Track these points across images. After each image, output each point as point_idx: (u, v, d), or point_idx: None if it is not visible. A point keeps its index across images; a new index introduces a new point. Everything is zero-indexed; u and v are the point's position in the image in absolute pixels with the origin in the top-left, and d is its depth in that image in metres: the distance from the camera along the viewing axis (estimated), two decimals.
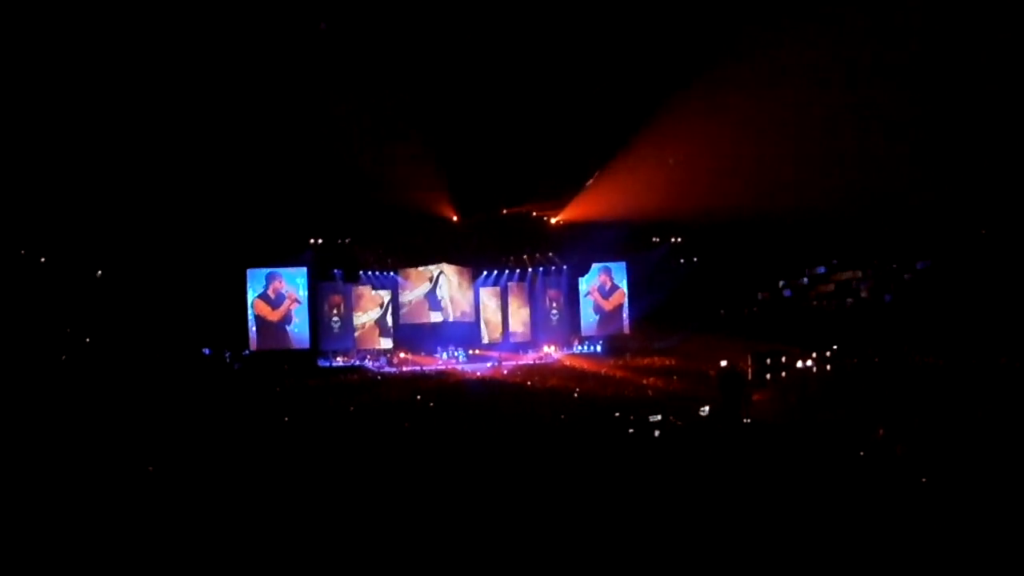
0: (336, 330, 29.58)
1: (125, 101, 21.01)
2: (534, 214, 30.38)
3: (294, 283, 28.63)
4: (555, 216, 30.19)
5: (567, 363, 28.48)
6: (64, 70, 19.52)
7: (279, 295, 28.48)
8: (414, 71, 21.54)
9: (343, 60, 20.76)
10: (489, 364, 28.60)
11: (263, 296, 28.45)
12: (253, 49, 19.97)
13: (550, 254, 31.28)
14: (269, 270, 28.57)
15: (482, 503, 9.06)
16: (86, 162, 22.20)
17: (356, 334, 29.96)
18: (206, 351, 27.00)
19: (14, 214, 22.44)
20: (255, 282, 28.48)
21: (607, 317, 30.84)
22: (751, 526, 7.82)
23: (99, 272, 26.06)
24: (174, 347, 25.70)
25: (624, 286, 30.75)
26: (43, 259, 24.76)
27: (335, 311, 29.57)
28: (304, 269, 28.83)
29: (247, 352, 27.82)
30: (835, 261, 29.42)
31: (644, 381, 23.05)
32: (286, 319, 28.48)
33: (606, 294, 30.85)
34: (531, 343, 31.23)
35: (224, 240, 26.88)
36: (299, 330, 28.62)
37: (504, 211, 30.23)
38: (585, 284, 30.95)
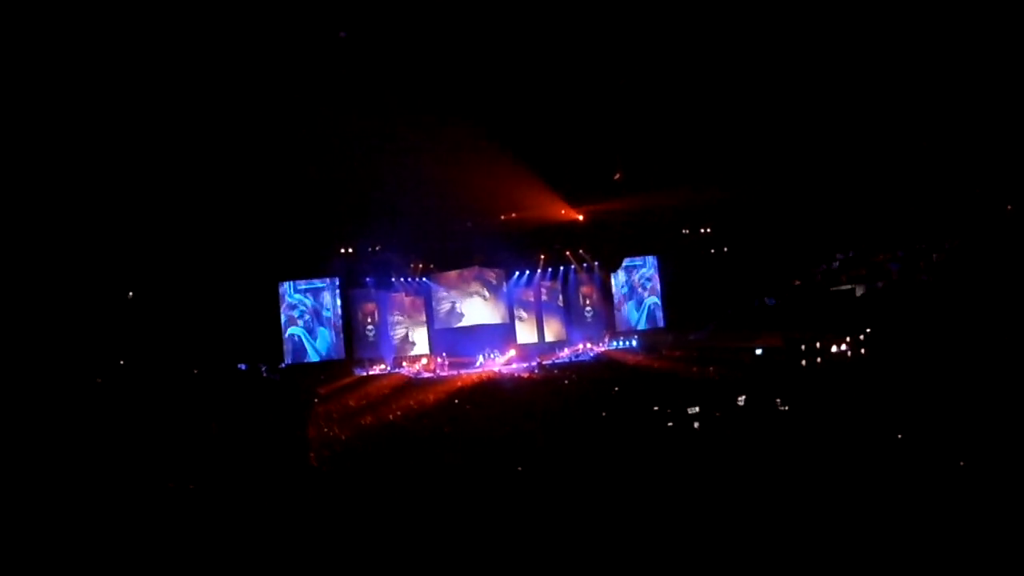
0: (371, 338, 29.60)
1: (152, 121, 21.30)
2: (562, 212, 30.10)
3: (313, 295, 28.94)
4: (582, 213, 29.94)
5: (603, 360, 28.31)
6: (97, 90, 19.84)
7: (293, 309, 28.87)
8: (437, 73, 21.52)
9: (365, 68, 20.81)
10: (525, 364, 28.53)
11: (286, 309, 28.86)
12: (273, 60, 20.10)
13: (581, 251, 31.10)
14: (296, 283, 28.87)
15: (519, 501, 9.02)
16: (114, 182, 22.53)
17: (391, 341, 29.93)
18: (242, 367, 27.23)
19: (44, 236, 22.82)
20: (286, 296, 28.85)
21: (641, 312, 30.64)
22: (786, 513, 7.70)
23: (131, 293, 26.39)
24: (209, 364, 25.96)
25: (656, 279, 30.55)
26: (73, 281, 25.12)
27: (369, 319, 29.62)
28: (336, 280, 29.02)
29: (283, 365, 28.05)
30: (863, 245, 28.96)
31: (681, 374, 22.91)
32: (303, 331, 28.72)
33: (639, 289, 30.65)
34: (567, 341, 31.06)
35: (259, 255, 27.11)
36: (321, 342, 28.82)
37: (531, 212, 30.02)
38: (618, 280, 30.79)
